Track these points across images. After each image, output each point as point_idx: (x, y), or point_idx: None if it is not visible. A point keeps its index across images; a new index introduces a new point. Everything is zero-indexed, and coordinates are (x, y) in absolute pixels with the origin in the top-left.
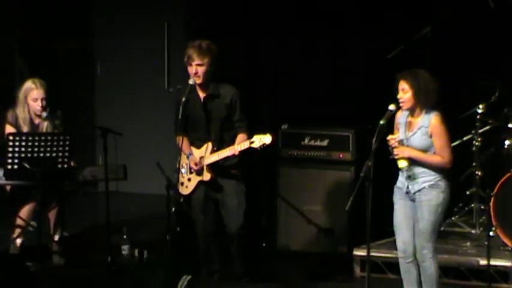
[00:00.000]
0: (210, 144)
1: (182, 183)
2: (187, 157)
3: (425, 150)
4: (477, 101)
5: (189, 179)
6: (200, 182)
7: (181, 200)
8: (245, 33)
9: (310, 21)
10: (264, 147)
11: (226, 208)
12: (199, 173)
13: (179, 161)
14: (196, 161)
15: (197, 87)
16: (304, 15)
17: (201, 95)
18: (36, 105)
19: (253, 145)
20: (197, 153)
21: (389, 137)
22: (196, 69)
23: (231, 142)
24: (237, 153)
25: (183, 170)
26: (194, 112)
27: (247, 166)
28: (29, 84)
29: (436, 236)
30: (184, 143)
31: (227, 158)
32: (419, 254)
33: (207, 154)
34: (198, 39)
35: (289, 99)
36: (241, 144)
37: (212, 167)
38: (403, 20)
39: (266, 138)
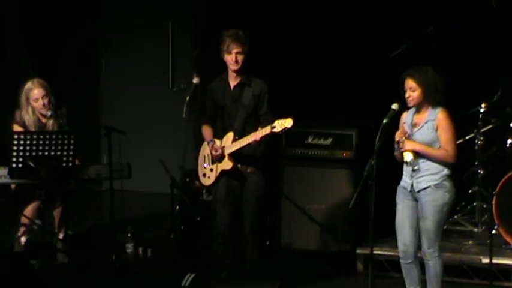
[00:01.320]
0: (231, 134)
1: (204, 174)
2: (208, 144)
3: (429, 145)
4: (479, 100)
5: (211, 169)
6: (222, 172)
7: (204, 191)
8: (249, 32)
9: (314, 20)
10: (286, 131)
11: (246, 203)
12: (220, 161)
13: (202, 152)
14: (216, 147)
15: (229, 76)
16: (308, 15)
17: (232, 83)
18: (39, 105)
19: (274, 130)
20: (218, 143)
21: (398, 132)
22: (237, 57)
23: None
24: (258, 139)
25: (205, 164)
26: (222, 99)
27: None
28: (28, 85)
29: (441, 234)
30: (207, 131)
31: (247, 146)
32: (424, 254)
33: (228, 143)
34: (202, 38)
35: (293, 98)
36: (262, 130)
37: (234, 157)
38: (407, 19)
39: (287, 123)
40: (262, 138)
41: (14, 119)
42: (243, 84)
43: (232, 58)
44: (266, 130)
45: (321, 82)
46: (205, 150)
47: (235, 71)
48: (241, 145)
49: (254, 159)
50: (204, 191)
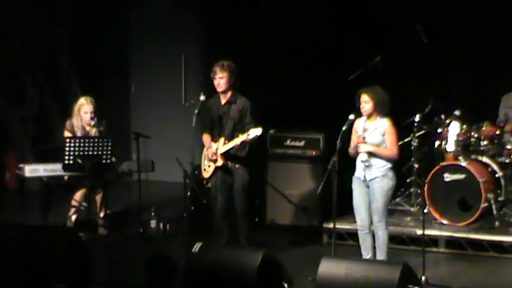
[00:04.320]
0: (222, 139)
1: (204, 169)
2: (207, 149)
3: (378, 145)
4: (415, 112)
5: (209, 166)
6: (216, 168)
7: (205, 182)
8: (238, 57)
9: (292, 55)
10: (257, 137)
11: (235, 191)
12: (215, 160)
13: (203, 153)
14: (213, 152)
15: (220, 95)
16: (287, 51)
17: (223, 100)
18: (87, 117)
19: (249, 136)
20: (214, 145)
21: (358, 135)
22: (218, 81)
23: None
24: (239, 143)
25: (205, 161)
26: (216, 113)
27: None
28: (82, 100)
29: (387, 212)
30: (206, 138)
31: (233, 148)
32: (375, 227)
33: (220, 146)
34: (207, 67)
35: (277, 111)
36: (241, 136)
37: (225, 156)
38: (362, 50)
39: (257, 131)
40: (242, 142)
41: (65, 127)
42: (231, 102)
43: (216, 82)
44: (243, 136)
45: (297, 100)
46: (206, 151)
47: (220, 92)
48: (228, 147)
49: (240, 158)
50: (205, 182)
